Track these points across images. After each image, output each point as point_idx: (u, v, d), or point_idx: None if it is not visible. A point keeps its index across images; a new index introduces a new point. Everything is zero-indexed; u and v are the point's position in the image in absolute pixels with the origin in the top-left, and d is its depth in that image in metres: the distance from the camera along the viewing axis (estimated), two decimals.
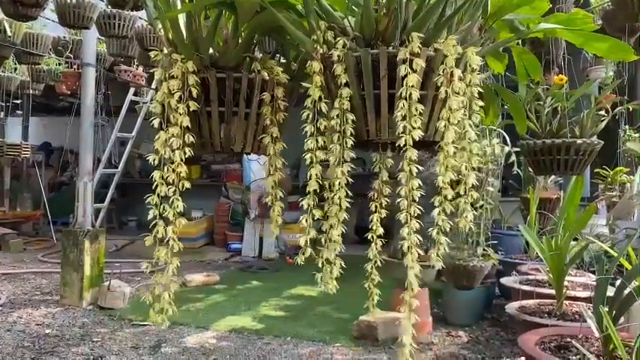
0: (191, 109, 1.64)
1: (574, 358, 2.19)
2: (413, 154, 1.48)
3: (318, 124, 1.58)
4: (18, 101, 7.98)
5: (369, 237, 1.59)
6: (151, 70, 1.78)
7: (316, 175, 1.59)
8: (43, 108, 9.39)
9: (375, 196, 1.64)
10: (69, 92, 6.48)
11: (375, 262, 1.57)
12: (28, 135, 9.23)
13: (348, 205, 1.59)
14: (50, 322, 4.03)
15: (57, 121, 10.10)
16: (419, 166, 1.52)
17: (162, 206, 1.64)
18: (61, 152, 9.48)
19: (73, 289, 4.50)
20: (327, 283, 1.63)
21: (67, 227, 4.90)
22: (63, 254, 4.61)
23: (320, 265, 1.64)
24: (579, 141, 2.77)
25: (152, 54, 1.73)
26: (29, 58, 5.46)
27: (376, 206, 1.61)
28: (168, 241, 1.65)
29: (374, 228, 1.58)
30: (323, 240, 1.63)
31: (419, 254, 1.54)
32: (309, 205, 1.60)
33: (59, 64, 6.37)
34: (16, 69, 6.40)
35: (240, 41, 1.77)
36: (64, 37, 5.79)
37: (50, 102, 8.59)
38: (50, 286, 5.28)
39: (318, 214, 1.62)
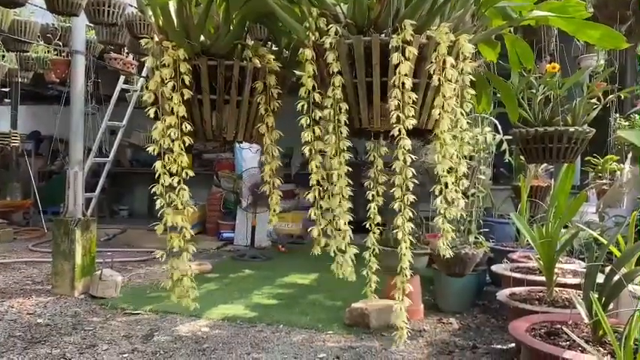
0: (185, 98, 1.63)
1: (564, 344, 2.21)
2: (406, 143, 1.48)
3: (313, 115, 1.58)
4: (6, 89, 7.89)
5: (367, 226, 1.59)
6: (142, 59, 1.76)
7: (316, 166, 1.60)
8: (32, 96, 9.28)
9: (372, 185, 1.64)
10: (58, 80, 6.41)
11: (374, 249, 1.58)
12: (17, 124, 9.12)
13: (351, 194, 1.60)
14: (42, 312, 4.02)
15: (46, 110, 9.99)
16: (412, 155, 1.53)
17: (167, 195, 1.64)
18: (51, 141, 9.38)
19: (65, 279, 4.48)
20: (344, 271, 1.65)
21: (57, 216, 4.87)
22: (54, 243, 4.59)
23: (332, 255, 1.66)
24: (571, 129, 2.78)
25: (143, 42, 1.71)
26: (17, 45, 5.39)
27: (373, 195, 1.61)
28: (180, 229, 1.67)
29: (372, 217, 1.58)
30: (329, 230, 1.64)
31: (411, 242, 1.55)
32: (315, 197, 1.61)
33: (48, 52, 6.29)
34: (3, 56, 6.31)
35: (231, 28, 1.75)
36: (53, 24, 5.71)
37: (39, 90, 8.50)
38: (41, 275, 5.25)
39: (326, 204, 1.63)
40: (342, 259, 1.65)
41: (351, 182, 1.60)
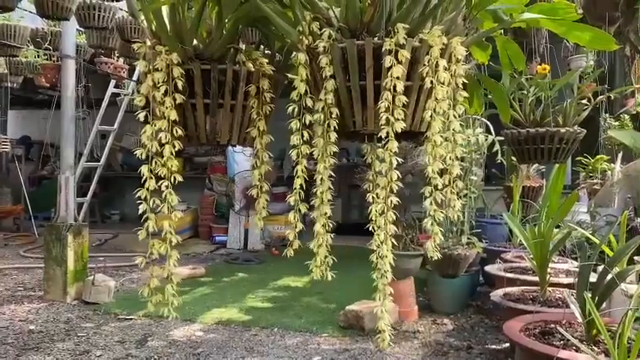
0: (177, 102, 1.63)
1: (558, 343, 2.23)
2: (394, 145, 1.49)
3: (303, 119, 1.58)
4: None
5: (370, 228, 1.59)
6: (133, 63, 1.76)
7: (302, 170, 1.60)
8: (22, 101, 9.21)
9: (371, 187, 1.64)
10: (48, 85, 6.38)
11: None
12: (7, 129, 9.06)
13: (330, 199, 1.60)
14: (34, 318, 3.99)
15: (36, 115, 9.93)
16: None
17: (152, 200, 1.63)
18: (41, 146, 9.32)
19: (57, 284, 4.45)
20: (314, 272, 1.65)
21: (48, 222, 4.84)
22: (45, 249, 4.56)
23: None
24: (562, 130, 2.80)
25: (135, 46, 1.71)
26: (6, 50, 5.34)
27: (373, 197, 1.60)
28: (165, 234, 1.65)
29: (374, 219, 1.57)
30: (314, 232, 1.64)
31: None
32: (296, 201, 1.61)
33: (38, 56, 6.25)
34: None
35: (224, 32, 1.75)
36: (43, 28, 5.68)
37: (29, 95, 8.43)
38: (33, 281, 5.21)
39: (304, 208, 1.63)
40: (314, 262, 1.64)
41: (332, 187, 1.61)
